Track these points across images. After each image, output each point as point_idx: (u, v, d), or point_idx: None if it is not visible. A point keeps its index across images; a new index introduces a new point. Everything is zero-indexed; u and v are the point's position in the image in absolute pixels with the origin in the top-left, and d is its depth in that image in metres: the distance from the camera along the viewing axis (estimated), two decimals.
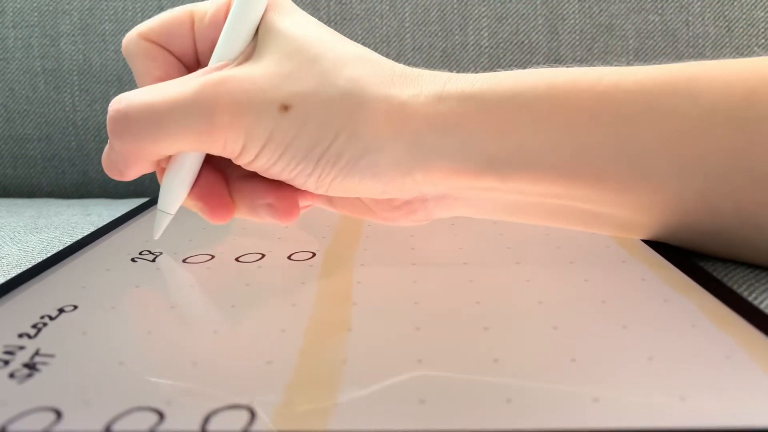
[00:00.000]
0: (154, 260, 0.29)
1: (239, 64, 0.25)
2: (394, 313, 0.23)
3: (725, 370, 0.18)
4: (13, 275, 0.28)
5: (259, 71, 0.24)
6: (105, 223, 0.36)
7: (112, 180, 0.56)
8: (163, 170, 0.27)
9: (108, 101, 0.55)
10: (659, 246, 0.28)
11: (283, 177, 0.25)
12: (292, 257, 0.29)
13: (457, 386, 0.18)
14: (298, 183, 0.25)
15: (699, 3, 0.52)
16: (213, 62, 0.26)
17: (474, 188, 0.25)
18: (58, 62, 0.55)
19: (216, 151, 0.25)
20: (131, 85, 0.55)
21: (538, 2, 0.53)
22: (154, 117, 0.24)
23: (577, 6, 0.53)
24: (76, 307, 0.24)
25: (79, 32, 0.55)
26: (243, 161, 0.25)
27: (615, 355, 0.19)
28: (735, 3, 0.52)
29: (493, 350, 0.20)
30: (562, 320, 0.22)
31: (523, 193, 0.25)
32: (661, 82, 0.24)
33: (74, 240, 0.34)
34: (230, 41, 0.26)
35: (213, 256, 0.29)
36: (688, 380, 0.18)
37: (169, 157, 0.26)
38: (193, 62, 0.28)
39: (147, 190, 0.56)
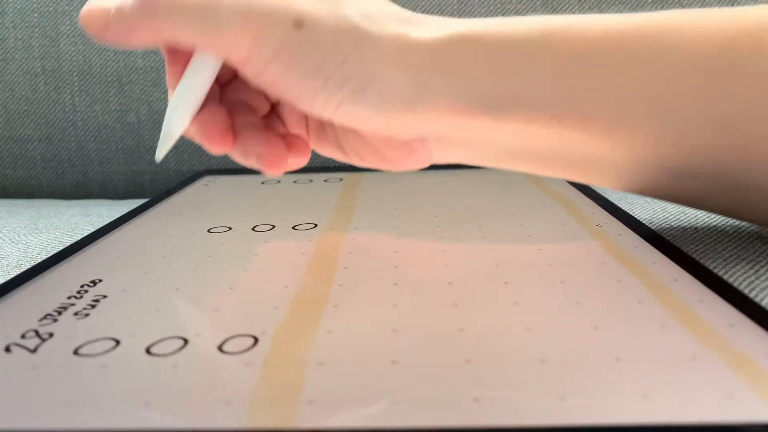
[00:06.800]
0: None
1: None
2: (368, 344, 0.20)
3: (689, 369, 0.18)
4: (13, 276, 0.29)
5: None
6: (105, 224, 0.36)
7: (112, 181, 0.57)
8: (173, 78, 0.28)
9: (108, 102, 0.55)
10: (643, 249, 0.28)
11: (290, 94, 0.26)
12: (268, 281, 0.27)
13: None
14: (304, 103, 0.26)
15: (699, 3, 0.52)
16: None
17: (470, 128, 0.26)
18: (58, 63, 0.55)
19: (223, 52, 0.25)
20: (131, 85, 0.55)
21: (537, 2, 0.53)
22: None
23: (576, 6, 0.53)
24: None
25: (79, 33, 0.55)
26: (251, 70, 0.26)
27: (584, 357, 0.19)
28: (734, 3, 0.52)
29: (475, 389, 0.18)
30: (550, 351, 0.20)
31: (516, 133, 0.26)
32: (645, 33, 0.25)
33: (74, 240, 0.34)
34: None
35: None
36: (652, 379, 0.18)
37: (179, 80, 0.27)
38: None
39: (147, 191, 0.57)
